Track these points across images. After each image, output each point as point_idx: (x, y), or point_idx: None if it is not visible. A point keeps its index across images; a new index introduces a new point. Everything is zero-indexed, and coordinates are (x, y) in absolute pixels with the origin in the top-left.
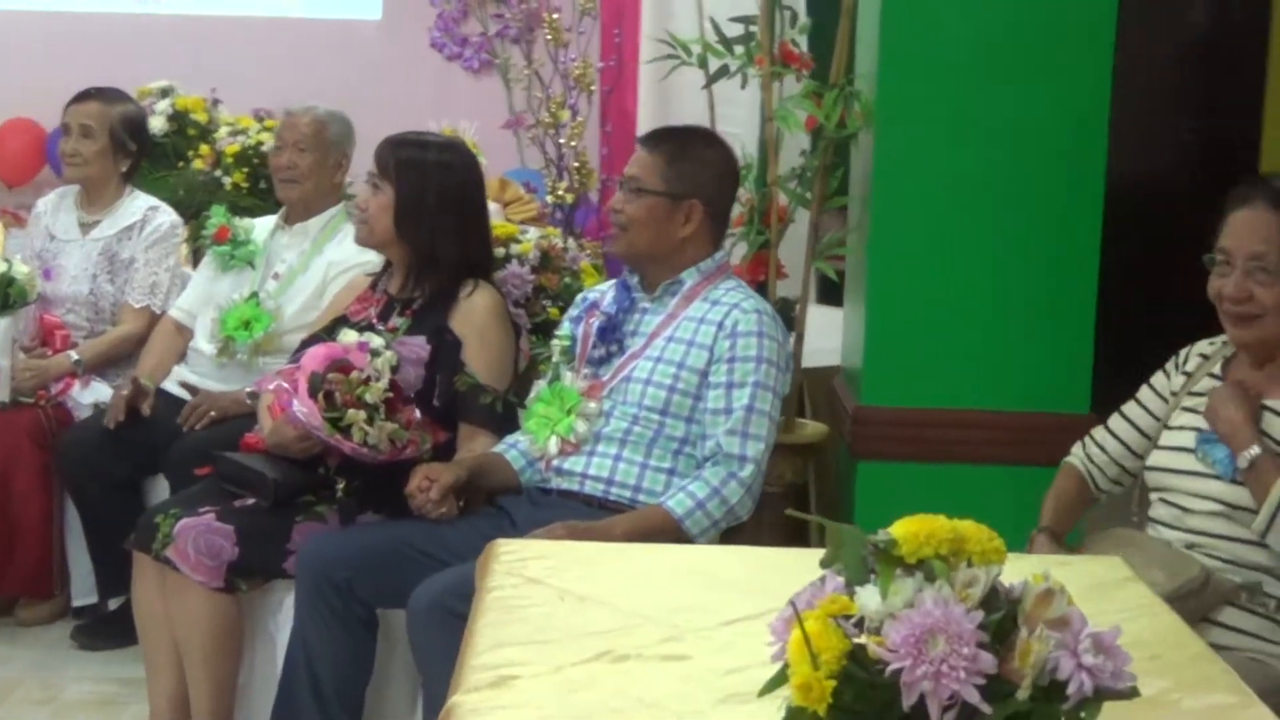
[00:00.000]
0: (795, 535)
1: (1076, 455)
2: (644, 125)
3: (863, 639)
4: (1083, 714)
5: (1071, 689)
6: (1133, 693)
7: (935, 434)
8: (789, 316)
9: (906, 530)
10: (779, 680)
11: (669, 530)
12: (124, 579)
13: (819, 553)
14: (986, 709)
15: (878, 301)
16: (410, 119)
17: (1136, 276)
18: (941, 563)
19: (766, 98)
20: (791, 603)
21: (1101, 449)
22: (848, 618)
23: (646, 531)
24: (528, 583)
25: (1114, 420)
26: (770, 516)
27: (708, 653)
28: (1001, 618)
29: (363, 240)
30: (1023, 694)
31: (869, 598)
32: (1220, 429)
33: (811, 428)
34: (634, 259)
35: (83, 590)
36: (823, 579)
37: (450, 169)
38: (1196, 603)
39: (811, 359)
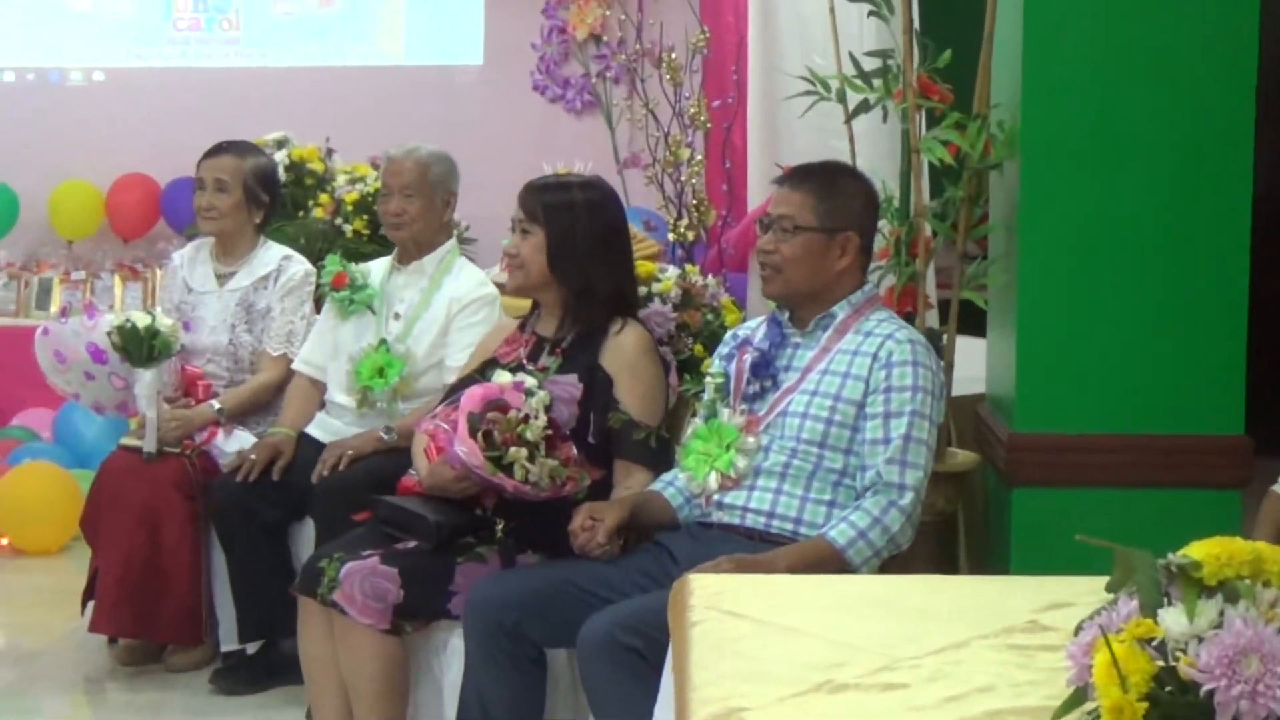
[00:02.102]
0: (946, 564)
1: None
2: (754, 162)
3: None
4: None
5: None
6: None
7: (1090, 459)
8: (937, 346)
9: (1206, 552)
10: (1074, 702)
11: (832, 561)
12: (265, 623)
13: (998, 580)
14: None
15: (1028, 328)
16: (515, 161)
17: None
18: (1244, 583)
19: (911, 130)
20: (1100, 626)
21: None
22: (1149, 641)
23: (810, 563)
24: (728, 616)
25: None
26: (922, 546)
27: (922, 681)
28: None
29: (517, 286)
30: None
31: (1174, 620)
32: None
33: (963, 456)
34: (792, 298)
35: (230, 636)
36: (1114, 602)
37: (597, 207)
38: None
39: (953, 388)
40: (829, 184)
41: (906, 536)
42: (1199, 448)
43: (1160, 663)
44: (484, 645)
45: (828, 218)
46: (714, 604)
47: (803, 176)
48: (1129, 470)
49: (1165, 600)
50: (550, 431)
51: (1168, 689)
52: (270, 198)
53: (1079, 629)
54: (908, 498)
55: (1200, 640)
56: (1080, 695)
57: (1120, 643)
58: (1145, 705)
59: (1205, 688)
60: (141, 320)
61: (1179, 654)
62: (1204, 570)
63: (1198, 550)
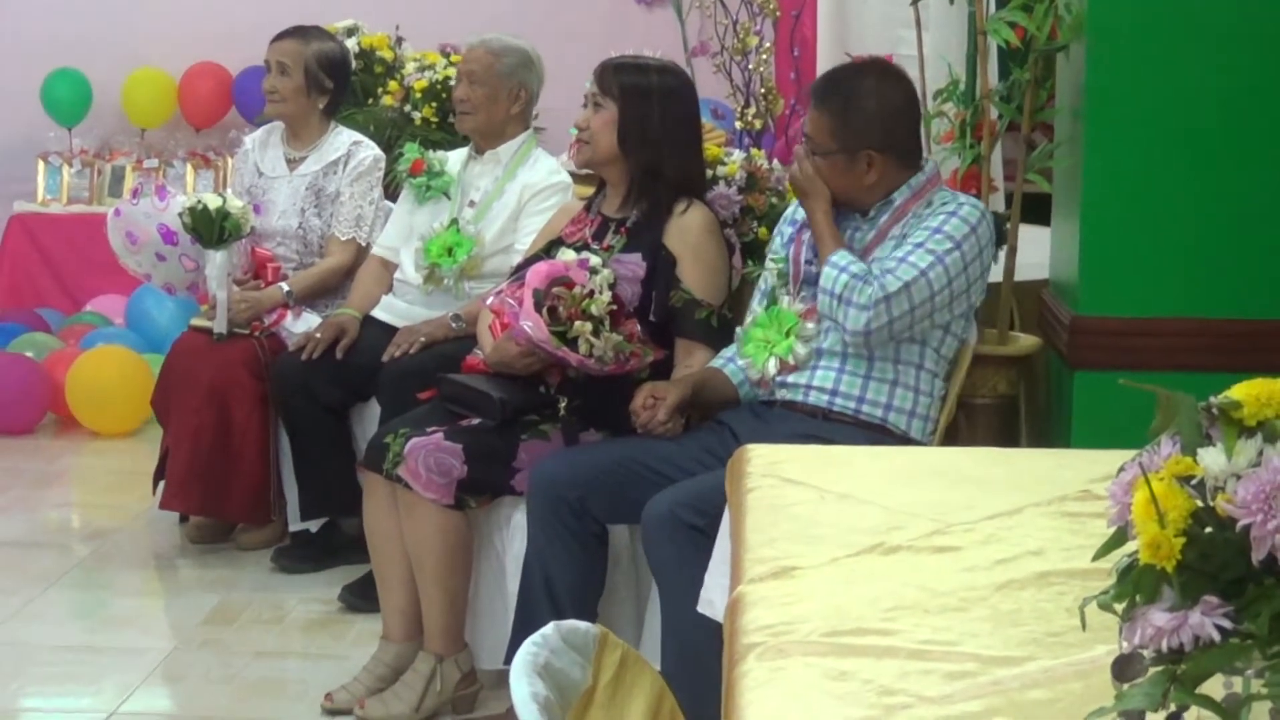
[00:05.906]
0: (1008, 443)
1: None
2: (823, 50)
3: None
4: None
5: None
6: None
7: (1153, 343)
8: (1000, 230)
9: (1246, 393)
10: (1115, 543)
11: None
12: (325, 502)
13: (1054, 452)
14: None
15: (1093, 211)
16: (585, 51)
17: None
18: None
19: (978, 11)
20: (1140, 465)
21: None
22: (1187, 479)
23: None
24: (785, 483)
25: None
26: (983, 429)
27: (975, 545)
28: None
29: (585, 160)
30: None
31: (1213, 458)
32: None
33: (1025, 339)
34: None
35: (298, 515)
36: (1157, 444)
37: (673, 94)
38: None
39: (1015, 273)
40: (845, 104)
41: (859, 322)
42: (1263, 332)
43: (1199, 502)
44: (547, 521)
45: (846, 139)
46: (771, 471)
47: (822, 95)
48: (1192, 354)
49: (1207, 442)
50: (615, 307)
51: (1206, 529)
52: (335, 84)
53: (1120, 470)
54: (889, 300)
55: (1238, 478)
56: (1121, 535)
57: (1160, 480)
58: (1182, 541)
59: (1241, 523)
60: (212, 202)
61: (1217, 492)
62: (1244, 410)
63: (1239, 391)
